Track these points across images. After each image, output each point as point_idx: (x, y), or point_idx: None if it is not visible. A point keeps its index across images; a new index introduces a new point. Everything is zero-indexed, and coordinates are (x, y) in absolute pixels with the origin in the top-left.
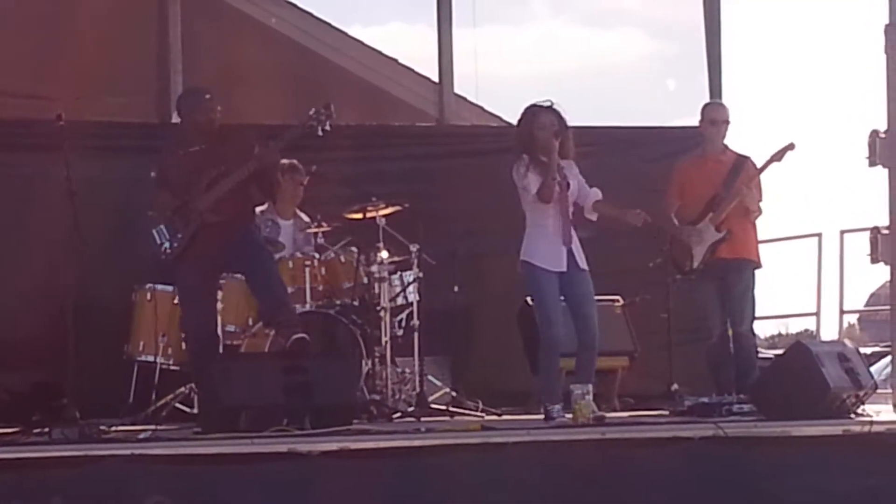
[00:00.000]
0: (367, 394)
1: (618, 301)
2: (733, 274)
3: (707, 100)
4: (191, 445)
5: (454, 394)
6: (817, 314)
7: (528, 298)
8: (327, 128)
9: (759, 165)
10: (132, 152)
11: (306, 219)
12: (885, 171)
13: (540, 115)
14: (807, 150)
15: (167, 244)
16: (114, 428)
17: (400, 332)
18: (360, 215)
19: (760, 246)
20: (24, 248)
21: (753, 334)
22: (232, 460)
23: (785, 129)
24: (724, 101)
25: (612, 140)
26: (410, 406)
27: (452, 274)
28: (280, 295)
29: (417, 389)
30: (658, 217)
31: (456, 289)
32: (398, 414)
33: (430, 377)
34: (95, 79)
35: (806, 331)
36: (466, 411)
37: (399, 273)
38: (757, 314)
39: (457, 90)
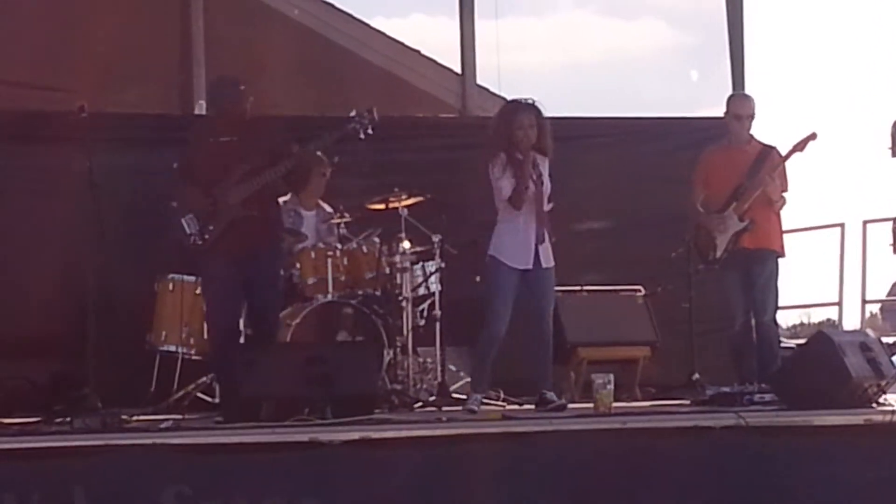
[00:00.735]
0: (389, 383)
1: (640, 291)
2: (757, 264)
3: (729, 90)
4: (212, 435)
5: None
6: (839, 304)
7: None
8: (370, 131)
9: (782, 155)
10: (154, 144)
11: (329, 209)
12: None
13: (519, 114)
14: (829, 140)
15: (196, 235)
16: (135, 417)
17: (422, 322)
18: (382, 206)
19: (783, 235)
20: (45, 239)
21: (776, 324)
22: (253, 450)
23: (807, 119)
24: (746, 91)
25: (634, 131)
26: (432, 395)
27: (474, 264)
28: (269, 329)
29: (439, 379)
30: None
31: (478, 279)
32: (419, 403)
33: (451, 367)
34: (117, 70)
35: (828, 320)
36: (487, 400)
37: (421, 263)
38: (779, 304)
39: (479, 81)
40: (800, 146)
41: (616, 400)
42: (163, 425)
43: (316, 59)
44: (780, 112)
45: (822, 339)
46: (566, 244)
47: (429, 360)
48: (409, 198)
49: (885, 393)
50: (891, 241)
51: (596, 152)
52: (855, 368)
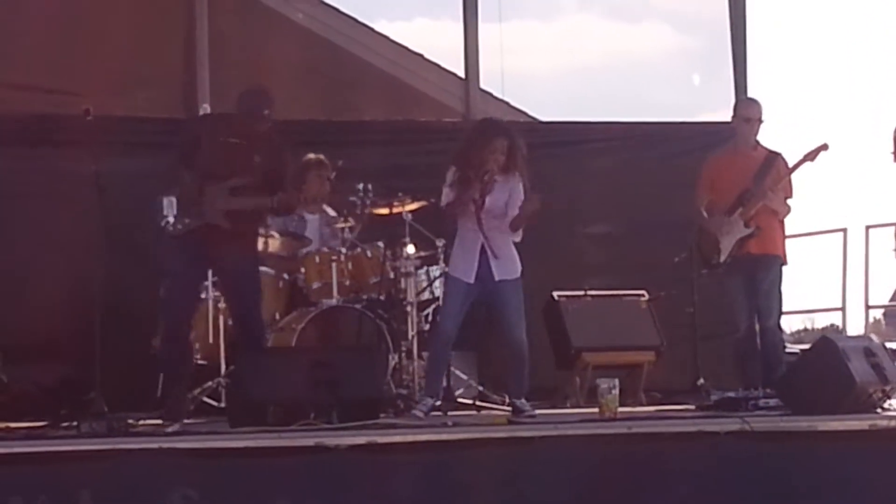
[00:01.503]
0: (394, 388)
1: (643, 296)
2: (761, 269)
3: (732, 94)
4: (218, 439)
5: (480, 388)
6: (843, 309)
7: (554, 293)
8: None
9: (791, 164)
10: (160, 147)
11: (333, 213)
12: None
13: (494, 140)
14: (832, 146)
15: (172, 221)
16: (142, 422)
17: (426, 327)
18: (386, 210)
19: (786, 241)
20: (52, 242)
21: (780, 329)
22: (259, 454)
23: (810, 124)
24: (749, 95)
25: (637, 135)
26: (438, 400)
27: None
28: (258, 330)
29: (444, 384)
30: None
31: None
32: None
33: (456, 371)
34: (123, 74)
35: (832, 326)
36: (493, 405)
37: (425, 268)
38: (783, 309)
39: (483, 85)
40: (811, 156)
41: (621, 405)
42: (169, 430)
43: (320, 63)
44: (782, 117)
45: (826, 345)
46: (570, 249)
47: None
48: (413, 202)
49: (889, 398)
50: (894, 246)
51: (599, 157)
52: (859, 374)
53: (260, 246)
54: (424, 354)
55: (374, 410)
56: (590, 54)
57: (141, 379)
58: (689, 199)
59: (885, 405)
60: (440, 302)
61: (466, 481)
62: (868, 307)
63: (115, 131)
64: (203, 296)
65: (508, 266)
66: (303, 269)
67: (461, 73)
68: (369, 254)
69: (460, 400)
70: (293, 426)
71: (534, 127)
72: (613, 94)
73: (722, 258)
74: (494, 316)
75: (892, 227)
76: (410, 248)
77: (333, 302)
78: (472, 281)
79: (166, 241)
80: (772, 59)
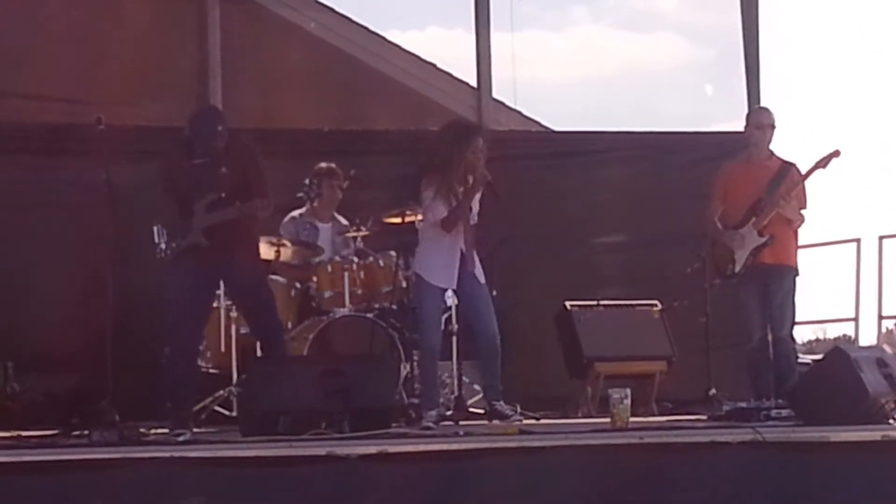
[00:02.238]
0: (406, 397)
1: (656, 306)
2: (775, 279)
3: (745, 105)
4: (230, 448)
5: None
6: (856, 319)
7: (567, 303)
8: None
9: (803, 172)
10: None
11: (345, 222)
12: None
13: (473, 138)
14: (846, 156)
15: (163, 247)
16: (153, 430)
17: None
18: (398, 219)
19: (799, 251)
20: (63, 252)
21: (793, 340)
22: (271, 463)
23: (823, 135)
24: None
25: (649, 145)
26: (449, 410)
27: (490, 278)
28: (273, 334)
29: (456, 393)
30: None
31: (494, 293)
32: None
33: (468, 381)
34: (135, 84)
35: (844, 336)
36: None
37: None
38: (796, 319)
39: (495, 95)
40: (822, 163)
41: (633, 415)
42: (180, 438)
43: (332, 73)
44: (795, 128)
45: (839, 355)
46: (583, 258)
47: (445, 374)
48: None
49: None
50: None
51: (611, 167)
52: (871, 384)
53: (272, 255)
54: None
55: (385, 420)
56: (602, 65)
57: (152, 388)
58: (702, 209)
59: None
60: (418, 309)
61: (477, 491)
62: (881, 318)
63: (127, 141)
64: (215, 304)
65: (479, 269)
66: (315, 279)
67: (473, 83)
68: (381, 263)
69: (472, 409)
70: (304, 435)
71: (547, 137)
72: (626, 104)
73: (737, 269)
74: (474, 320)
75: None
76: None
77: (345, 311)
78: (454, 287)
79: (164, 268)
80: (784, 69)
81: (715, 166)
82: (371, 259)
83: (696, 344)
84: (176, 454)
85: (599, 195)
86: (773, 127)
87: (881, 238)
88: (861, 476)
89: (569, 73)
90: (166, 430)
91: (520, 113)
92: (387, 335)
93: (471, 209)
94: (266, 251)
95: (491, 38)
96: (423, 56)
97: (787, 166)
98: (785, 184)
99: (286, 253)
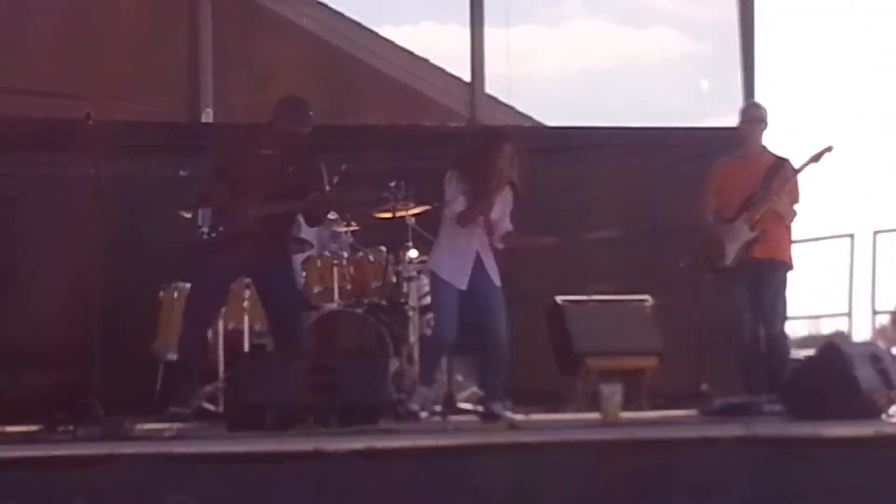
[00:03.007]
0: (395, 393)
1: (647, 301)
2: (766, 274)
3: (740, 100)
4: (216, 444)
5: (482, 393)
6: (849, 315)
7: (557, 297)
8: None
9: (796, 167)
10: (161, 152)
11: (334, 217)
12: None
13: (505, 147)
14: (840, 151)
15: (207, 229)
16: (138, 426)
17: (428, 332)
18: (389, 214)
19: (792, 246)
20: (51, 247)
21: (785, 335)
22: (258, 459)
23: (818, 129)
24: (757, 101)
25: (644, 140)
26: (438, 405)
27: None
28: (293, 336)
29: (445, 389)
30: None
31: None
32: (425, 413)
33: (457, 377)
34: (125, 79)
35: (837, 331)
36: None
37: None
38: (788, 314)
39: (488, 90)
40: (815, 158)
41: (624, 410)
42: (166, 434)
43: (324, 68)
44: (790, 122)
45: (832, 350)
46: (575, 253)
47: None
48: (416, 206)
49: (894, 404)
50: None
51: (605, 161)
52: (864, 380)
53: None
54: None
55: (373, 415)
56: (597, 59)
57: (138, 383)
58: (695, 204)
59: (891, 411)
60: (433, 305)
61: (466, 487)
62: (874, 313)
63: (116, 135)
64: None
65: (496, 273)
66: (304, 274)
67: (467, 78)
68: (371, 258)
69: (461, 405)
70: (292, 431)
71: (540, 132)
72: (620, 99)
73: (728, 262)
74: (486, 320)
75: None
76: (413, 253)
77: (334, 306)
78: (464, 288)
79: (200, 249)
80: (780, 64)
81: (708, 161)
82: (361, 254)
83: (688, 339)
84: (161, 450)
85: (593, 190)
86: (762, 122)
87: (875, 233)
88: (853, 472)
89: (563, 68)
90: (160, 415)
91: (513, 108)
92: (376, 330)
93: (491, 207)
94: None
95: (485, 33)
96: (416, 51)
97: (781, 161)
98: (778, 179)
99: None
